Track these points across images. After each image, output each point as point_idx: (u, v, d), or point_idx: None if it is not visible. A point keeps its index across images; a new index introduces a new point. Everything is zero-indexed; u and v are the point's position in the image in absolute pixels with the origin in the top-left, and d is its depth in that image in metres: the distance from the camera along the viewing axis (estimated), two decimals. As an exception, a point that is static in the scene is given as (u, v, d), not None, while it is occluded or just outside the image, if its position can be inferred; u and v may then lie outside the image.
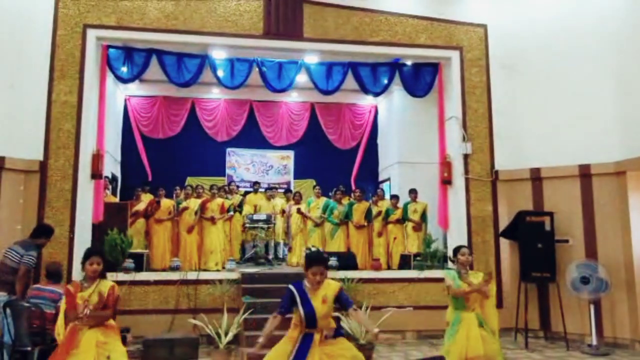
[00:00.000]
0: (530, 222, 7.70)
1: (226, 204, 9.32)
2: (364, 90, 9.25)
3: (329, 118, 13.35)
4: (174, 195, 10.01)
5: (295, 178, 13.48)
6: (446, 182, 8.62)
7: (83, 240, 7.39)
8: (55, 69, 7.50)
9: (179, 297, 7.34)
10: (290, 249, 10.08)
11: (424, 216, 9.59)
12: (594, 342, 7.07)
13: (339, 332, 4.15)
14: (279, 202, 10.97)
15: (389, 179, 12.77)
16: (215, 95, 12.75)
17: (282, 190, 12.24)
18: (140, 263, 7.60)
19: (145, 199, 9.21)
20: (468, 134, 8.49)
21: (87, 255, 4.34)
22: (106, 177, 9.00)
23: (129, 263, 7.38)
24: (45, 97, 7.42)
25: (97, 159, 7.68)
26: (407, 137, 12.09)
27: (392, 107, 12.69)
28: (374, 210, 9.65)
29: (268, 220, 9.62)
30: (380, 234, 9.59)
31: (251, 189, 11.70)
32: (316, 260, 4.07)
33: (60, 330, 4.26)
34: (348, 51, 8.53)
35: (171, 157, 12.44)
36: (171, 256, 8.65)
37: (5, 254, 5.67)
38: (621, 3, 7.55)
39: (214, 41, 8.15)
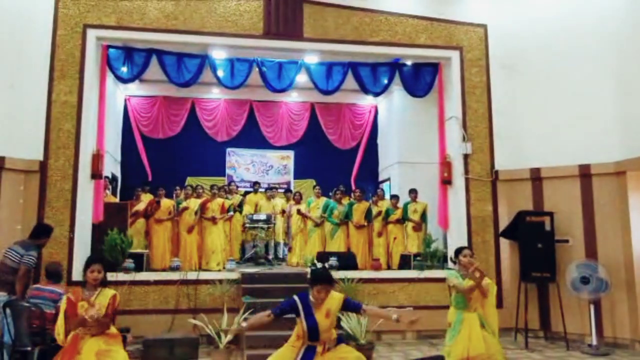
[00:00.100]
0: (530, 222, 7.70)
1: (226, 204, 9.32)
2: (364, 90, 9.25)
3: (329, 118, 13.35)
4: (174, 195, 10.02)
5: (295, 178, 13.48)
6: (446, 182, 8.62)
7: (83, 240, 7.41)
8: (55, 69, 7.50)
9: (179, 297, 7.34)
10: (290, 249, 10.08)
11: (424, 216, 9.59)
12: (594, 342, 7.07)
13: (339, 340, 4.17)
14: (279, 202, 10.97)
15: (389, 179, 12.77)
16: (215, 95, 12.75)
17: (282, 190, 12.23)
18: (140, 263, 7.60)
19: (145, 199, 9.21)
20: (468, 134, 8.49)
21: (88, 263, 4.31)
22: (106, 177, 9.00)
23: (129, 263, 7.38)
24: (45, 97, 7.42)
25: (97, 159, 7.68)
26: (407, 137, 12.08)
27: (392, 107, 12.69)
28: (374, 210, 9.65)
29: (268, 220, 9.62)
30: (380, 234, 9.59)
31: (251, 189, 11.70)
32: (321, 279, 4.04)
33: (60, 330, 4.26)
34: (348, 51, 8.53)
35: (171, 157, 12.44)
36: (171, 256, 8.65)
37: (5, 254, 5.67)
38: (621, 3, 7.55)
39: (214, 41, 8.15)
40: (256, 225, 9.56)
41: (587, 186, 7.73)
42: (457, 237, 8.21)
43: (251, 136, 13.11)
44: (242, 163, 13.36)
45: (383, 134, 13.35)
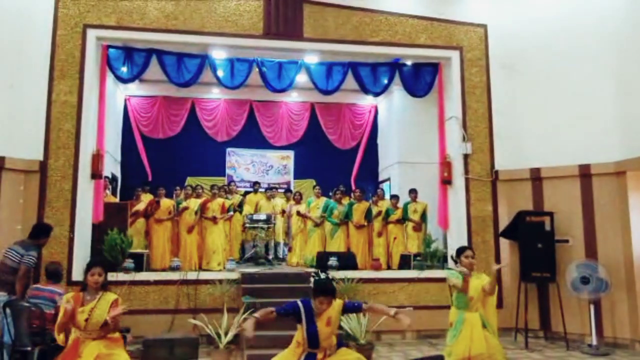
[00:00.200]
0: (530, 222, 7.70)
1: (227, 204, 9.32)
2: (364, 90, 9.26)
3: (329, 118, 13.35)
4: (174, 195, 10.02)
5: (295, 178, 13.48)
6: (446, 182, 8.63)
7: (83, 240, 7.41)
8: (55, 69, 7.50)
9: (179, 297, 7.34)
10: (290, 249, 10.08)
11: (424, 216, 9.58)
12: (594, 342, 7.07)
13: (340, 344, 4.17)
14: (279, 202, 10.97)
15: (389, 179, 12.77)
16: (215, 95, 12.75)
17: (282, 190, 12.23)
18: (140, 263, 7.60)
19: (145, 199, 9.21)
20: (468, 134, 8.49)
21: (89, 266, 4.27)
22: (106, 177, 9.00)
23: (129, 263, 7.38)
24: (45, 97, 7.42)
25: (97, 159, 7.69)
26: (407, 137, 12.08)
27: (392, 107, 12.69)
28: (374, 210, 9.65)
29: (268, 220, 9.62)
30: (380, 234, 9.59)
31: (251, 189, 11.71)
32: (324, 292, 4.05)
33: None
34: (348, 51, 8.54)
35: (171, 157, 12.43)
36: (171, 256, 8.65)
37: (5, 254, 5.67)
38: (621, 3, 7.55)
39: (214, 41, 8.15)
40: (256, 225, 9.55)
41: (587, 186, 7.73)
42: (457, 237, 8.21)
43: (251, 136, 13.10)
44: (242, 163, 13.36)
45: (383, 134, 13.35)
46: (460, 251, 4.96)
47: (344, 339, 5.93)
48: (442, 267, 8.26)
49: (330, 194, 10.16)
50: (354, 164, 13.28)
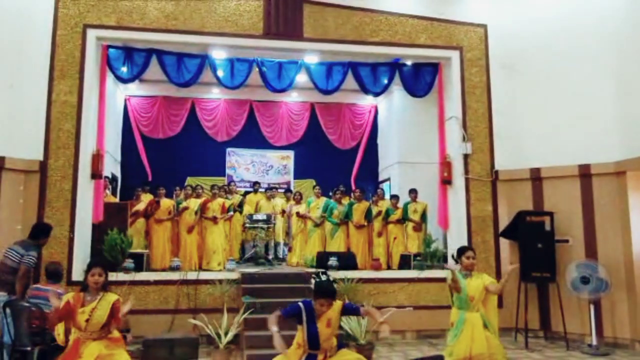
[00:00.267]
0: (530, 222, 7.70)
1: (227, 204, 9.33)
2: (364, 90, 9.26)
3: (329, 118, 13.35)
4: (174, 195, 10.02)
5: (295, 178, 13.48)
6: (446, 182, 8.63)
7: (83, 240, 7.41)
8: (55, 69, 7.50)
9: (179, 297, 7.34)
10: (290, 249, 10.08)
11: (424, 216, 9.58)
12: (594, 342, 7.07)
13: (340, 345, 4.18)
14: (279, 202, 10.97)
15: (389, 179, 12.77)
16: (215, 95, 12.76)
17: (282, 190, 12.24)
18: (140, 263, 7.59)
19: (145, 199, 9.21)
20: (468, 134, 8.49)
21: (89, 266, 4.28)
22: (106, 177, 9.00)
23: (129, 263, 7.38)
24: (45, 97, 7.42)
25: (97, 159, 7.69)
26: (407, 137, 12.08)
27: (392, 107, 12.69)
28: (374, 210, 9.65)
29: (268, 220, 9.62)
30: (380, 234, 9.59)
31: (251, 189, 11.71)
32: (325, 294, 4.06)
33: (60, 330, 4.26)
34: (348, 51, 8.54)
35: (171, 157, 12.44)
36: (171, 256, 8.65)
37: (6, 254, 5.67)
38: (621, 3, 7.55)
39: (214, 41, 8.15)
40: (256, 225, 9.55)
41: (587, 186, 7.73)
42: (457, 237, 8.21)
43: (251, 136, 13.11)
44: (242, 163, 13.36)
45: (383, 134, 13.35)
46: (461, 251, 4.97)
47: (344, 339, 5.93)
48: (442, 267, 8.26)
49: (330, 194, 10.16)
50: (354, 164, 13.29)
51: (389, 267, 9.17)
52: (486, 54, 8.72)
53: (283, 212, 10.63)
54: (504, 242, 8.25)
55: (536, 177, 8.16)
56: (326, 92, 9.07)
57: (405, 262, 8.78)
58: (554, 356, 6.91)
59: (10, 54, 7.19)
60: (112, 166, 11.23)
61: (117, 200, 10.16)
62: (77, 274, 6.97)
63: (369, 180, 13.10)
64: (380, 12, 8.51)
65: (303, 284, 7.31)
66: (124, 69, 8.41)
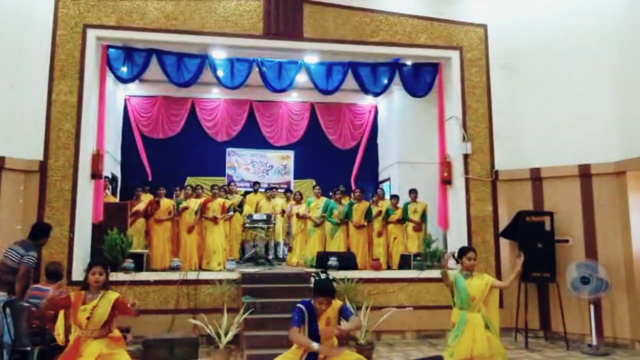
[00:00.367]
0: (530, 222, 7.70)
1: (227, 204, 9.33)
2: (364, 90, 9.26)
3: (329, 118, 13.35)
4: (174, 195, 10.02)
5: (295, 178, 13.48)
6: (446, 182, 8.63)
7: (83, 240, 7.41)
8: (55, 69, 7.50)
9: (179, 297, 7.34)
10: (290, 249, 10.08)
11: (424, 216, 9.58)
12: (594, 342, 7.07)
13: (341, 346, 4.19)
14: (279, 202, 10.97)
15: (389, 179, 12.77)
16: (215, 95, 12.75)
17: (282, 190, 12.23)
18: (140, 263, 7.59)
19: (145, 199, 9.21)
20: (468, 134, 8.49)
21: (89, 265, 4.29)
22: (106, 177, 9.00)
23: (129, 263, 7.38)
24: (45, 97, 7.42)
25: (97, 159, 7.69)
26: (407, 137, 12.08)
27: (392, 107, 12.69)
28: (374, 211, 9.65)
29: (268, 220, 9.62)
30: (380, 234, 9.58)
31: (251, 189, 11.71)
32: (324, 291, 4.09)
33: (60, 330, 4.26)
34: (348, 51, 8.54)
35: (171, 157, 12.43)
36: (171, 256, 8.64)
37: (5, 254, 5.67)
38: (621, 3, 7.55)
39: (214, 41, 8.15)
40: (256, 225, 9.55)
41: (587, 186, 7.73)
42: (457, 237, 8.22)
43: (251, 136, 13.10)
44: (242, 163, 13.36)
45: (383, 134, 13.35)
46: (462, 252, 4.97)
47: (344, 339, 5.93)
48: (442, 262, 8.26)
49: (331, 194, 10.16)
50: (354, 164, 13.28)
51: (389, 267, 9.17)
52: (486, 54, 8.73)
53: (283, 212, 10.63)
54: (504, 242, 8.25)
55: (536, 177, 8.16)
56: (326, 92, 9.07)
57: (405, 262, 8.78)
58: (554, 356, 6.91)
59: (10, 54, 7.19)
60: (112, 166, 11.23)
61: (117, 200, 10.16)
62: (77, 274, 6.98)
63: (369, 180, 13.09)
64: (380, 12, 8.51)
65: (303, 284, 7.32)
66: (124, 69, 8.41)
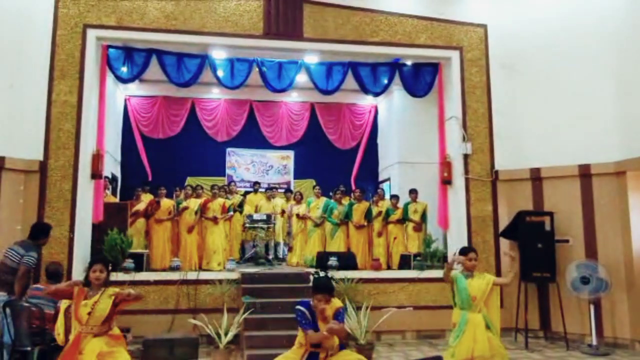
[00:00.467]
0: (530, 222, 7.70)
1: (227, 204, 9.33)
2: (364, 90, 9.26)
3: (329, 118, 13.35)
4: (174, 195, 10.02)
5: (295, 178, 13.48)
6: (446, 182, 8.63)
7: (83, 240, 7.41)
8: (55, 69, 7.50)
9: (179, 297, 7.34)
10: (290, 249, 10.08)
11: (424, 216, 9.58)
12: (594, 342, 7.07)
13: (341, 347, 4.19)
14: (279, 202, 10.97)
15: (389, 179, 12.77)
16: (215, 95, 12.75)
17: (282, 190, 12.23)
18: (140, 263, 7.60)
19: (145, 199, 9.20)
20: (468, 134, 8.49)
21: (90, 263, 4.33)
22: (106, 177, 9.00)
23: (129, 263, 7.38)
24: (45, 97, 7.42)
25: (97, 159, 7.69)
26: (407, 137, 12.08)
27: (392, 107, 12.69)
28: (375, 211, 9.65)
29: (268, 220, 9.62)
30: (380, 234, 9.58)
31: (251, 189, 11.71)
32: (323, 288, 4.11)
33: (60, 330, 4.26)
34: (348, 51, 8.54)
35: (171, 157, 12.43)
36: (171, 256, 8.65)
37: (6, 254, 5.66)
38: (621, 3, 7.55)
39: (214, 41, 8.15)
40: (256, 225, 9.55)
41: (587, 186, 7.73)
42: (457, 237, 8.21)
43: (251, 136, 13.10)
44: (242, 163, 13.36)
45: (383, 134, 13.35)
46: (463, 252, 4.97)
47: (344, 339, 5.93)
48: (442, 267, 8.25)
49: (331, 194, 10.16)
50: (354, 164, 13.28)
51: (389, 267, 9.17)
52: (486, 54, 8.73)
53: (283, 212, 10.63)
54: (504, 242, 8.24)
55: (536, 177, 8.16)
56: (326, 92, 9.07)
57: (405, 262, 8.78)
58: (554, 356, 6.91)
59: (10, 54, 7.19)
60: (112, 166, 11.23)
61: (117, 200, 10.16)
62: (77, 274, 6.96)
63: (369, 180, 13.09)
64: (380, 12, 8.51)
65: (303, 284, 7.32)
66: (124, 69, 8.41)
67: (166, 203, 9.16)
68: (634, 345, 7.15)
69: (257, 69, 8.81)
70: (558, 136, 7.98)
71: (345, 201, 9.76)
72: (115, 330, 4.24)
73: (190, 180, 12.04)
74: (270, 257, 9.91)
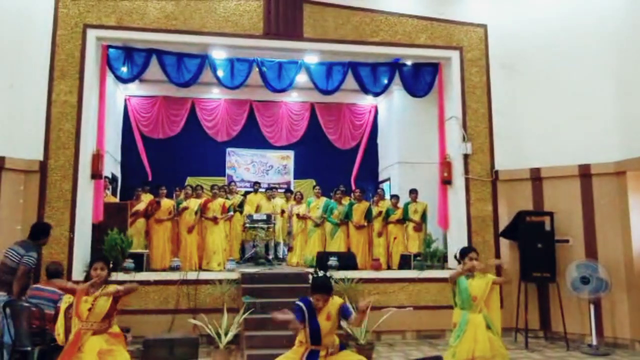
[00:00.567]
0: (530, 222, 7.71)
1: (227, 204, 9.33)
2: (364, 90, 9.26)
3: (329, 118, 13.35)
4: (174, 195, 10.01)
5: (295, 178, 13.47)
6: (446, 182, 8.63)
7: (83, 240, 7.41)
8: (55, 69, 7.50)
9: (179, 297, 7.34)
10: (290, 249, 10.08)
11: (424, 216, 9.57)
12: (594, 342, 7.07)
13: (342, 347, 4.20)
14: (279, 202, 10.97)
15: (389, 179, 12.77)
16: (215, 95, 12.75)
17: (282, 190, 12.23)
18: (140, 263, 7.60)
19: (145, 199, 9.20)
20: (468, 134, 8.49)
21: (91, 262, 4.38)
22: (106, 177, 8.99)
23: (129, 263, 7.38)
24: (45, 97, 7.43)
25: (97, 159, 7.69)
26: (407, 137, 12.08)
27: (392, 107, 12.69)
28: (375, 211, 9.65)
29: (268, 220, 9.62)
30: (380, 234, 9.58)
31: (251, 189, 11.70)
32: (320, 288, 4.12)
33: (60, 330, 4.26)
34: (348, 51, 8.54)
35: (171, 157, 12.43)
36: (171, 256, 8.64)
37: (6, 254, 5.66)
38: (621, 3, 7.55)
39: (214, 41, 8.15)
40: (256, 225, 9.55)
41: (587, 186, 7.73)
42: (457, 237, 8.22)
43: (251, 136, 13.10)
44: (242, 163, 13.36)
45: (383, 134, 13.35)
46: (464, 252, 4.97)
47: (344, 340, 5.93)
48: (442, 267, 8.27)
49: (331, 194, 10.16)
50: (354, 164, 13.28)
51: (389, 267, 9.15)
52: (486, 54, 8.73)
53: (283, 212, 10.63)
54: (504, 242, 8.26)
55: (536, 177, 8.16)
56: (326, 92, 9.07)
57: (405, 262, 8.77)
58: (554, 356, 6.92)
59: (10, 54, 7.19)
60: (112, 166, 11.23)
61: (117, 200, 10.15)
62: (77, 274, 6.97)
63: (369, 180, 13.09)
64: (380, 12, 8.52)
65: (303, 284, 7.31)
66: (124, 69, 8.41)
67: (166, 203, 9.16)
68: (634, 345, 7.15)
69: (257, 69, 8.81)
70: (558, 136, 7.98)
71: (345, 201, 9.76)
72: (115, 329, 4.26)
73: (190, 180, 12.03)
74: (270, 257, 9.91)
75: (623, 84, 7.46)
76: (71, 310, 4.17)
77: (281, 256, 10.67)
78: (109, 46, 8.17)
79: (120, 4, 7.79)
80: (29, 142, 7.28)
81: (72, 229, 7.27)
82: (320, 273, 7.33)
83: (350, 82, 9.06)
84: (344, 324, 6.29)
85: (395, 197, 9.98)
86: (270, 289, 7.25)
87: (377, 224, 9.63)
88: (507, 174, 8.40)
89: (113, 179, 11.07)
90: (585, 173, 7.71)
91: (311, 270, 7.92)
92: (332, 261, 7.93)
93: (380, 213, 9.66)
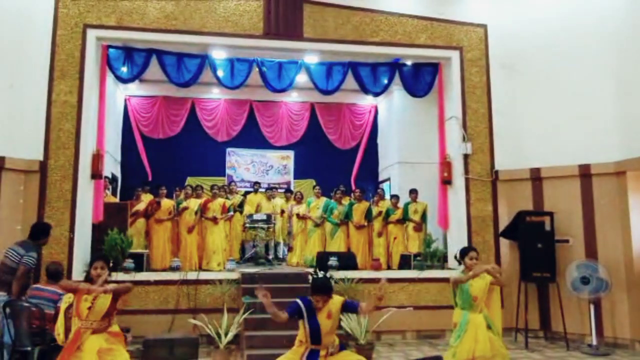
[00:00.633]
0: (530, 222, 7.71)
1: (227, 204, 9.33)
2: (364, 90, 9.26)
3: (329, 118, 13.35)
4: (174, 195, 10.01)
5: (295, 178, 13.47)
6: (446, 182, 8.63)
7: (83, 240, 7.41)
8: (55, 69, 7.50)
9: (179, 297, 7.34)
10: (290, 249, 10.08)
11: (424, 216, 9.57)
12: (594, 342, 7.07)
13: (342, 347, 4.20)
14: (279, 202, 10.97)
15: (389, 179, 12.77)
16: (215, 95, 12.75)
17: (282, 190, 12.23)
18: (140, 263, 7.59)
19: (146, 199, 9.20)
20: (468, 134, 8.49)
21: (91, 261, 4.40)
22: (106, 177, 9.00)
23: (129, 263, 7.38)
24: (45, 97, 7.43)
25: (97, 159, 7.69)
26: (407, 137, 12.08)
27: (392, 107, 12.69)
28: (375, 211, 9.65)
29: (268, 220, 9.61)
30: (380, 234, 9.58)
31: (251, 189, 11.70)
32: (320, 289, 4.12)
33: (60, 330, 4.27)
34: (348, 51, 8.54)
35: (171, 157, 12.43)
36: (171, 256, 8.64)
37: (6, 254, 5.67)
38: (621, 3, 7.55)
39: (214, 41, 8.15)
40: (256, 225, 9.54)
41: (587, 186, 7.73)
42: (457, 237, 8.22)
43: (251, 136, 13.10)
44: (242, 163, 13.36)
45: (383, 134, 13.35)
46: (464, 252, 4.97)
47: (344, 340, 5.94)
48: (442, 267, 8.27)
49: (331, 194, 10.16)
50: (354, 164, 13.28)
51: (389, 267, 9.16)
52: (486, 54, 8.73)
53: (283, 212, 10.63)
54: (504, 242, 8.26)
55: (536, 177, 8.16)
56: (326, 92, 9.08)
57: (405, 262, 8.77)
58: (554, 356, 6.92)
59: (10, 54, 7.19)
60: (112, 166, 11.22)
61: (117, 200, 10.15)
62: (77, 274, 6.97)
63: (369, 180, 13.09)
64: (380, 12, 8.52)
65: (303, 284, 7.31)
66: (124, 69, 8.41)
67: (166, 203, 9.16)
68: (634, 345, 7.15)
69: (257, 69, 8.82)
70: (558, 136, 7.98)
71: (345, 201, 9.76)
72: (115, 328, 4.28)
73: (190, 180, 12.03)
74: (270, 257, 9.91)
75: (623, 84, 7.46)
76: (71, 310, 4.19)
77: (281, 256, 10.67)
78: (109, 46, 8.17)
79: (120, 4, 7.79)
80: (29, 142, 7.28)
81: (72, 229, 7.27)
82: (320, 273, 7.33)
83: (350, 82, 9.06)
84: (344, 324, 6.32)
85: (395, 197, 9.97)
86: (270, 289, 7.16)
87: (377, 224, 9.63)
88: (507, 174, 8.40)
89: (113, 179, 11.07)
90: (585, 173, 7.71)
91: (311, 270, 7.92)
92: (332, 261, 7.92)
93: (380, 213, 9.66)
